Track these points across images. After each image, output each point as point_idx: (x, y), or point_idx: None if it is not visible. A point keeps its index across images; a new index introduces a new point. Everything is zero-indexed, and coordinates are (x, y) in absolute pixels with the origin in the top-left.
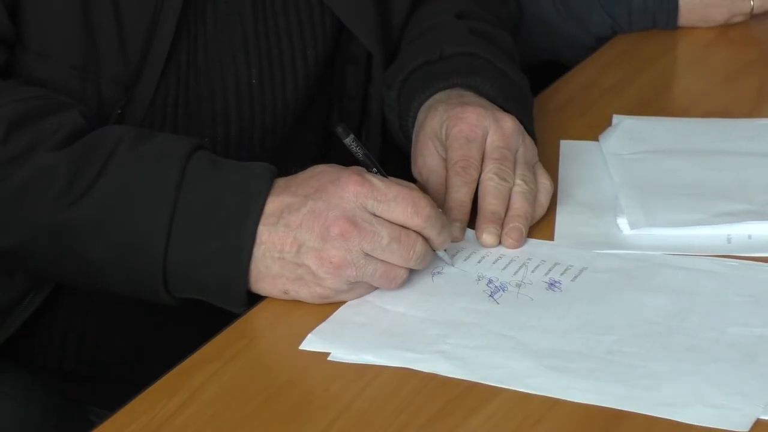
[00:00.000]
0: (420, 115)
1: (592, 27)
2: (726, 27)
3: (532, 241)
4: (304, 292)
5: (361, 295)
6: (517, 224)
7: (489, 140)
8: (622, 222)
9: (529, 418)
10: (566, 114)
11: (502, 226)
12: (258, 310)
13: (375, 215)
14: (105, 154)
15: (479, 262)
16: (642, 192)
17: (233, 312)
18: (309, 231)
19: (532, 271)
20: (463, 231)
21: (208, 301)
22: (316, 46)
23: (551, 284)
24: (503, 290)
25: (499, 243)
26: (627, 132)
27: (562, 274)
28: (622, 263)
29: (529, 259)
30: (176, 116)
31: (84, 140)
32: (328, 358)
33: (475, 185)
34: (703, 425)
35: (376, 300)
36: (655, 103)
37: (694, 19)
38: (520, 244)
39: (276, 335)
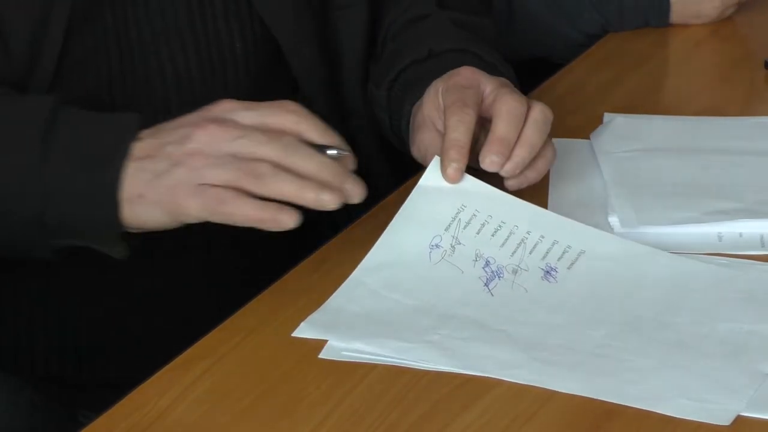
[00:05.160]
0: (415, 106)
1: (583, 25)
2: (717, 25)
3: (534, 209)
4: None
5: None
6: (522, 154)
7: (487, 88)
8: (613, 220)
9: (521, 415)
10: (557, 112)
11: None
12: (250, 307)
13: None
14: None
15: (478, 232)
16: (633, 190)
17: (221, 312)
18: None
19: (530, 252)
20: (460, 172)
21: (88, 245)
22: (254, 28)
23: (547, 272)
24: (499, 277)
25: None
26: (618, 130)
27: (559, 259)
28: (622, 248)
29: (529, 232)
30: (114, 103)
31: None
32: (320, 355)
33: (472, 125)
34: (685, 418)
35: (372, 283)
36: (647, 101)
37: (687, 15)
38: (517, 173)
39: (268, 332)
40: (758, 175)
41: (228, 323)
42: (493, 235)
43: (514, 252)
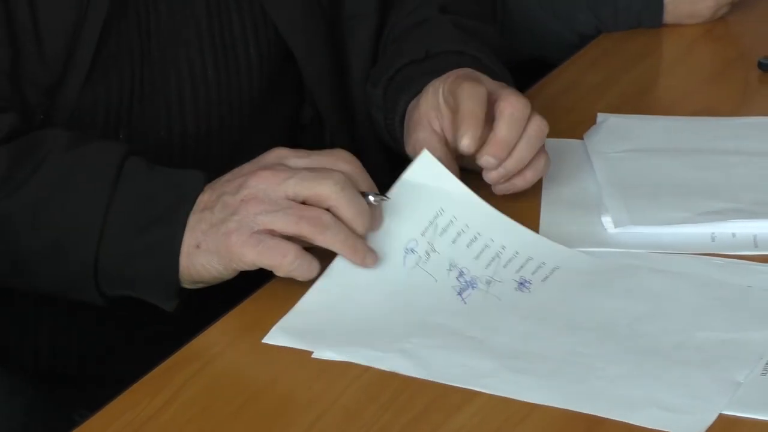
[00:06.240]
0: (411, 104)
1: (577, 26)
2: (710, 25)
3: (511, 224)
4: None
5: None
6: (509, 166)
7: (489, 86)
8: (607, 220)
9: (511, 418)
10: (551, 112)
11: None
12: (243, 308)
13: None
14: (43, 151)
15: (454, 241)
16: (626, 190)
17: (211, 311)
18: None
19: (504, 266)
20: (474, 142)
21: (139, 297)
22: (267, 34)
23: (521, 284)
24: (472, 287)
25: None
26: (612, 130)
27: (533, 273)
28: (596, 265)
29: (504, 247)
30: (131, 108)
31: (23, 138)
32: (313, 355)
33: (485, 98)
34: (655, 428)
35: (345, 284)
36: (640, 101)
37: (680, 15)
38: (502, 182)
39: (259, 334)
40: (752, 175)
41: (220, 324)
42: (468, 246)
43: (489, 265)
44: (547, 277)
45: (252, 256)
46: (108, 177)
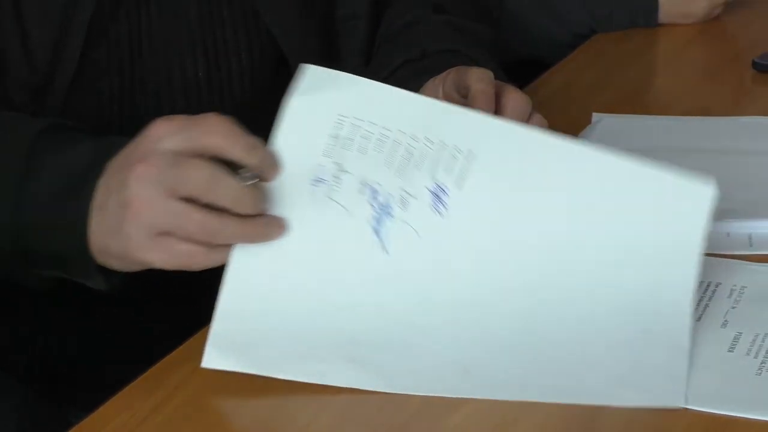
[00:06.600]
0: None
1: (571, 25)
2: (705, 25)
3: (418, 101)
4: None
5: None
6: None
7: (500, 90)
8: None
9: (509, 414)
10: (546, 112)
11: None
12: None
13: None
14: None
15: (362, 150)
16: None
17: (207, 307)
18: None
19: (417, 166)
20: None
21: (69, 277)
22: (260, 37)
23: (436, 196)
24: (388, 214)
25: None
26: (607, 130)
27: (448, 170)
28: (516, 147)
29: (415, 137)
30: (122, 113)
31: None
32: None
33: (493, 79)
34: (641, 405)
35: (259, 257)
36: (635, 101)
37: (675, 14)
38: None
39: None
40: (746, 174)
41: None
42: (378, 150)
43: (402, 170)
44: (463, 177)
45: (160, 264)
46: (22, 150)
